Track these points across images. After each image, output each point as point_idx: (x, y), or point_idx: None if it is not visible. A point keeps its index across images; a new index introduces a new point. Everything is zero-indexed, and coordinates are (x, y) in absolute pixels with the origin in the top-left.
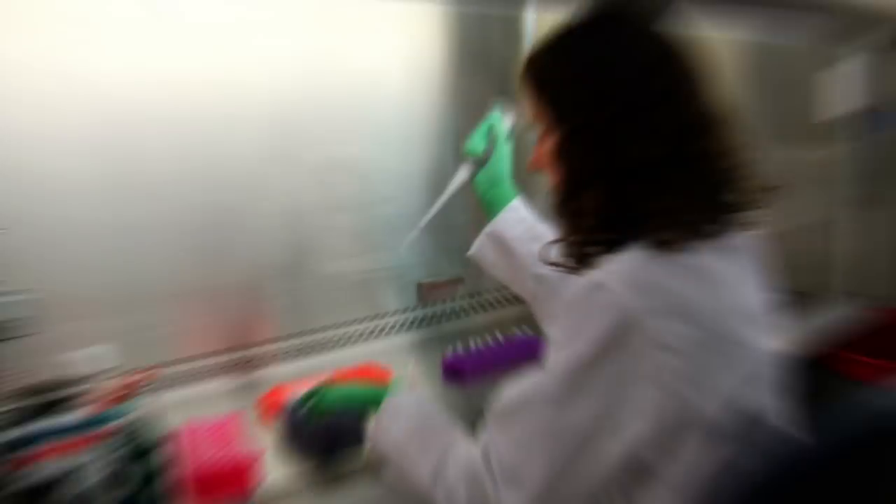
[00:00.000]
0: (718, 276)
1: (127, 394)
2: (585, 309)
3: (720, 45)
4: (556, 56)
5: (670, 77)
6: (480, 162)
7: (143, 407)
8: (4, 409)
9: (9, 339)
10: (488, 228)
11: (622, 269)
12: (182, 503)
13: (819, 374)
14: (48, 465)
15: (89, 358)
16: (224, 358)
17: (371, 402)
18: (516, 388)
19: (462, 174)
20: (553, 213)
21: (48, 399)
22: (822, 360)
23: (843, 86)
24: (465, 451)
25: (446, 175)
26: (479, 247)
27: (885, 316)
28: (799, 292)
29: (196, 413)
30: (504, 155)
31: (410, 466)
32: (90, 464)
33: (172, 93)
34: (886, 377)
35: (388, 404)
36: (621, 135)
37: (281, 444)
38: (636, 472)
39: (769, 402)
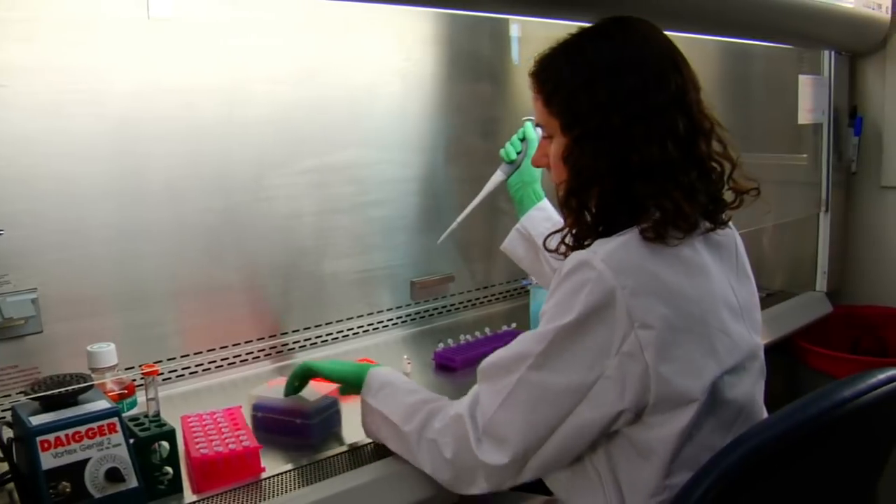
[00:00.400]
0: (705, 268)
1: (132, 388)
2: (571, 284)
3: (702, 46)
4: (568, 62)
5: (678, 81)
6: (514, 166)
7: (149, 400)
8: (13, 402)
9: (16, 336)
10: (518, 224)
11: (607, 249)
12: (188, 493)
13: (784, 365)
14: (56, 457)
15: (95, 354)
16: (226, 354)
17: (351, 376)
18: (506, 350)
19: (498, 176)
20: (560, 206)
21: (56, 393)
22: (788, 351)
23: (822, 90)
24: (451, 408)
25: (439, 178)
26: (510, 240)
27: (848, 311)
28: (768, 287)
29: (199, 406)
30: None
31: (397, 425)
32: (96, 456)
33: (176, 98)
34: (845, 368)
35: (373, 376)
36: (637, 136)
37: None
38: (617, 438)
39: (752, 391)
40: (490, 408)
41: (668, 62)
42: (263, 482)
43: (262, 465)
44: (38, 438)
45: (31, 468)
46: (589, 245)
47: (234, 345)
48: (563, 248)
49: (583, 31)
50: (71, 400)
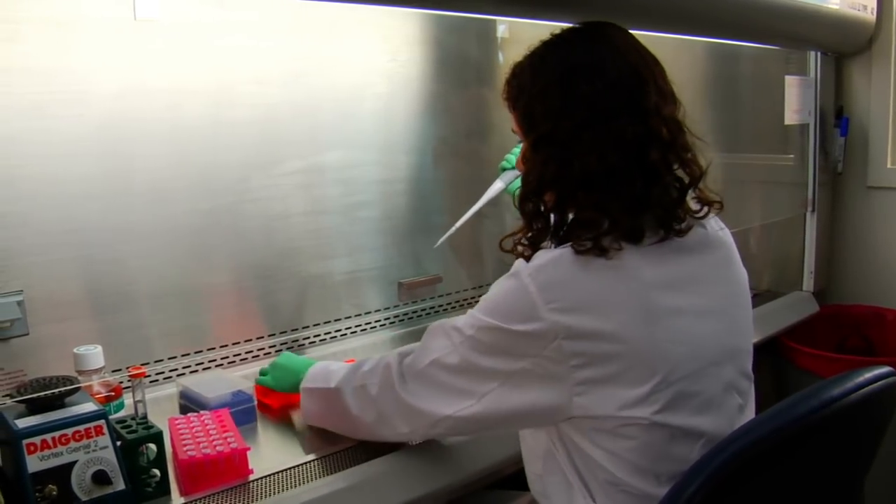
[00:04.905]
0: (651, 277)
1: (119, 390)
2: (502, 288)
3: (691, 48)
4: (530, 69)
5: (635, 88)
6: (516, 174)
7: (136, 403)
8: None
9: (1, 339)
10: None
11: (540, 264)
12: (176, 495)
13: (772, 364)
14: (43, 460)
15: (82, 356)
16: (213, 355)
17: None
18: (453, 319)
19: (498, 184)
20: (518, 209)
21: (42, 396)
22: (775, 351)
23: (808, 91)
24: (379, 358)
25: (426, 179)
26: None
27: (835, 310)
28: (755, 288)
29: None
30: None
31: (326, 388)
32: (83, 459)
33: (162, 99)
34: (832, 367)
35: (309, 371)
36: (581, 144)
37: None
38: (575, 437)
39: (723, 394)
40: (423, 360)
41: (626, 69)
42: (251, 484)
43: (251, 466)
44: (24, 441)
45: (17, 471)
46: (539, 249)
47: (221, 346)
48: (520, 249)
49: (549, 38)
50: (57, 403)
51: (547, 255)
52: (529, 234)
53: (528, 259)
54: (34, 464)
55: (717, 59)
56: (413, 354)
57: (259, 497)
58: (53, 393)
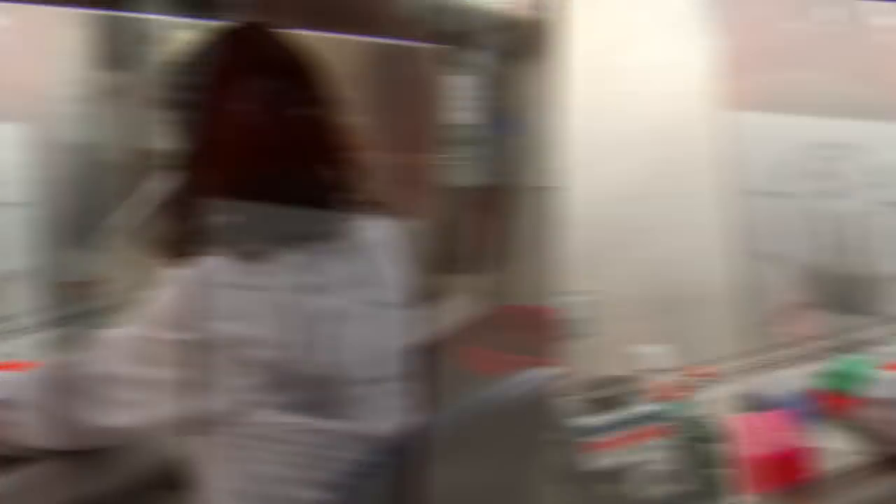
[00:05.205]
0: (306, 283)
1: (683, 390)
2: (157, 300)
3: (339, 47)
4: (175, 70)
5: (279, 91)
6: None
7: (699, 403)
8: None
9: None
10: None
11: (188, 273)
12: (737, 495)
13: (442, 366)
14: (611, 455)
15: (647, 355)
16: None
17: None
18: (115, 331)
19: (156, 183)
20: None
21: (610, 393)
22: (445, 353)
23: (465, 91)
24: (39, 368)
25: (89, 176)
26: None
27: (508, 311)
28: (421, 288)
29: None
30: None
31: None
32: (650, 457)
33: None
34: (506, 369)
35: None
36: (223, 148)
37: None
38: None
39: (370, 396)
40: (84, 373)
41: (272, 68)
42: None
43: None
44: (596, 435)
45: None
46: (187, 254)
47: None
48: (168, 254)
49: (195, 38)
50: (625, 400)
51: (195, 262)
52: (177, 239)
53: (178, 265)
54: (603, 457)
55: (374, 57)
56: (75, 367)
57: None
58: (621, 390)
